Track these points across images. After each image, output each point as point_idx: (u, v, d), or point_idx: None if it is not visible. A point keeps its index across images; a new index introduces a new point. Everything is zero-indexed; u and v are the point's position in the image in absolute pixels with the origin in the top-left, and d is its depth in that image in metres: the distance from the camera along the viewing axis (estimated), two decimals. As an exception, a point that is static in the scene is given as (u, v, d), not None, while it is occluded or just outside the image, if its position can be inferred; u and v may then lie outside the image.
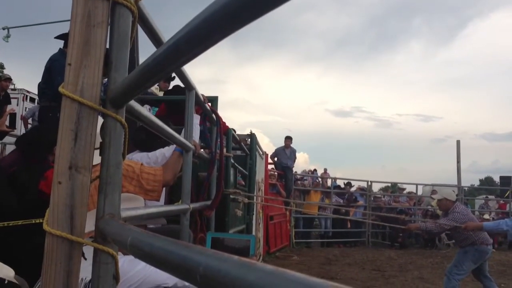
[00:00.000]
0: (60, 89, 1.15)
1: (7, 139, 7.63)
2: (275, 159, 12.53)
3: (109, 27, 1.21)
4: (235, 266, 0.49)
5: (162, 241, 0.70)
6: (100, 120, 1.21)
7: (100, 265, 1.12)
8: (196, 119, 3.11)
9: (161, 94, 5.83)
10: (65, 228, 1.12)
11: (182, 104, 2.71)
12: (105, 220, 1.11)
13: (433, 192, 15.31)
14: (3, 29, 7.56)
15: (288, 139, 12.80)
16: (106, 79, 1.23)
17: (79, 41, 1.16)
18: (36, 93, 5.81)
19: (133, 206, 1.98)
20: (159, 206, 2.59)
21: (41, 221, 1.17)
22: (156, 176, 2.45)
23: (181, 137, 2.23)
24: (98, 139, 1.20)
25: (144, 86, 1.07)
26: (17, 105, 12.24)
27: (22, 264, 1.88)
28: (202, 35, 0.67)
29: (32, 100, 12.95)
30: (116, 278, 1.14)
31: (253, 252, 2.26)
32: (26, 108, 12.40)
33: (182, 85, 2.67)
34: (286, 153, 12.57)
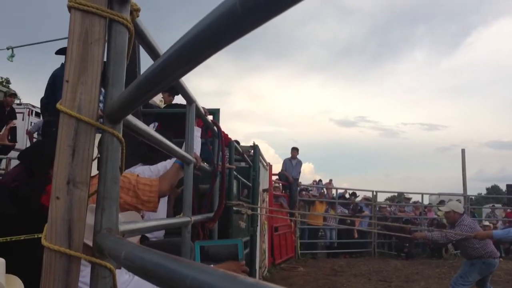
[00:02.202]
0: (58, 105, 1.17)
1: (12, 154, 7.69)
2: (286, 171, 12.60)
3: (106, 44, 1.24)
4: (219, 279, 0.50)
5: (153, 254, 0.71)
6: (98, 135, 1.23)
7: (98, 279, 1.13)
8: (198, 131, 3.13)
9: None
10: (63, 242, 1.14)
11: (179, 118, 2.73)
12: (102, 235, 1.13)
13: (441, 202, 15.26)
14: (7, 48, 7.65)
15: (295, 150, 12.96)
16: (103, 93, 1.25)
17: (77, 58, 1.19)
18: (41, 107, 5.85)
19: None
20: (160, 219, 2.61)
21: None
22: (152, 187, 2.47)
23: (181, 150, 2.25)
24: (96, 152, 1.22)
25: (141, 101, 1.09)
26: (23, 119, 12.32)
27: (24, 279, 1.90)
28: (192, 51, 0.69)
29: (37, 114, 13.03)
30: (114, 291, 1.15)
31: (242, 256, 2.26)
32: (31, 122, 12.48)
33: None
34: (292, 163, 12.68)
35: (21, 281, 1.81)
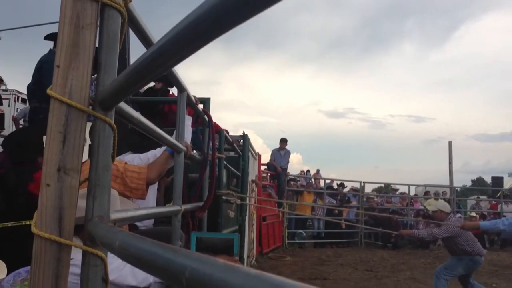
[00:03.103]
0: (49, 91, 1.14)
1: (-2, 140, 7.58)
2: (274, 161, 12.62)
3: (98, 29, 1.21)
4: (220, 270, 0.49)
5: (149, 244, 0.70)
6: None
7: (89, 267, 1.12)
8: (188, 120, 3.10)
9: None
10: (53, 230, 1.12)
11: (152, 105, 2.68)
12: (94, 223, 1.11)
13: (426, 193, 15.41)
14: (-7, 31, 7.51)
15: (283, 141, 12.96)
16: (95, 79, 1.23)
17: (68, 42, 1.16)
18: (28, 94, 5.75)
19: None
20: (150, 208, 2.59)
21: (31, 223, 1.17)
22: (140, 174, 2.45)
23: (172, 139, 2.23)
24: (88, 139, 1.19)
25: (133, 88, 1.07)
26: (9, 106, 12.12)
27: (12, 267, 1.87)
28: (187, 39, 0.67)
29: (24, 101, 12.81)
30: (105, 280, 1.14)
31: (237, 251, 2.26)
32: (17, 109, 12.28)
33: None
34: (280, 154, 12.71)
35: (4, 264, 1.79)
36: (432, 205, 5.97)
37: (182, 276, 0.54)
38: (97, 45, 1.22)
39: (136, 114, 1.41)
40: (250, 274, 0.45)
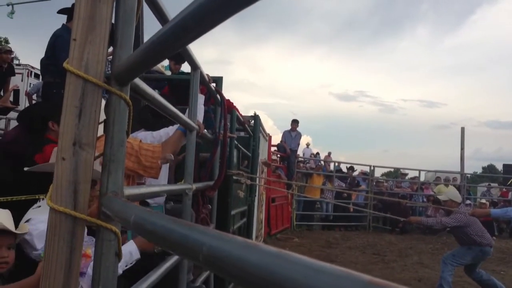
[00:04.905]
0: (65, 64, 1.14)
1: (11, 114, 7.64)
2: (285, 142, 12.60)
3: (115, 3, 1.19)
4: (238, 247, 0.48)
5: (165, 220, 0.70)
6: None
7: (103, 242, 1.13)
8: (201, 99, 3.09)
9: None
10: (68, 204, 1.12)
11: (184, 85, 2.69)
12: (108, 198, 1.11)
13: (437, 179, 15.34)
14: (7, 5, 7.47)
15: (295, 122, 12.89)
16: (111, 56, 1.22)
17: (85, 16, 1.15)
18: (41, 69, 5.75)
19: None
20: (162, 185, 2.60)
21: (44, 197, 1.18)
22: (154, 152, 2.44)
23: (185, 117, 2.22)
24: (102, 115, 1.19)
25: (150, 64, 1.06)
26: (22, 80, 12.16)
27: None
28: (209, 12, 0.65)
29: (36, 76, 12.83)
30: (118, 255, 1.15)
31: None
32: (30, 84, 12.31)
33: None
34: (291, 135, 12.66)
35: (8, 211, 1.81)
36: (443, 194, 5.91)
37: (200, 252, 0.53)
38: (113, 22, 1.21)
39: (151, 91, 1.41)
40: (268, 252, 0.45)
